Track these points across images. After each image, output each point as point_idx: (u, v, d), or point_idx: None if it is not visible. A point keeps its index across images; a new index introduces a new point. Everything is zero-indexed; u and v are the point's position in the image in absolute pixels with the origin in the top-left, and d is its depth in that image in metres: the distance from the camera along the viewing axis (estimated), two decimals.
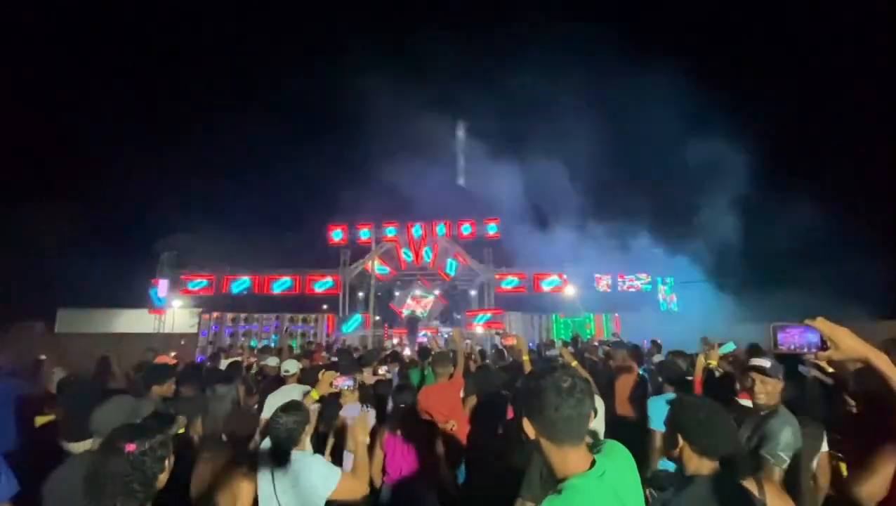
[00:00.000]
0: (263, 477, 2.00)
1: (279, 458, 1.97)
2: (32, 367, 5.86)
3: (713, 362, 3.65)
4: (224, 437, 2.46)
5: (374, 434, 2.86)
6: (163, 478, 1.45)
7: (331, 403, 3.11)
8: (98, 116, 32.44)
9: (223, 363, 5.97)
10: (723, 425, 1.59)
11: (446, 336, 12.32)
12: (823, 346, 1.18)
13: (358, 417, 2.27)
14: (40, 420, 4.28)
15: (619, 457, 1.22)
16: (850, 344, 1.13)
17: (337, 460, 2.95)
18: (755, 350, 4.63)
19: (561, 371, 1.20)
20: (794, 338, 1.15)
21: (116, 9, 30.82)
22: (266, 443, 2.13)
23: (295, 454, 2.02)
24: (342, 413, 2.83)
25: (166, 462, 1.46)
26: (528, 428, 1.18)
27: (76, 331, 15.51)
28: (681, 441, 1.57)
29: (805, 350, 1.19)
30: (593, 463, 1.14)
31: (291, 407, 2.11)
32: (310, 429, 2.22)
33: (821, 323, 1.17)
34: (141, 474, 1.36)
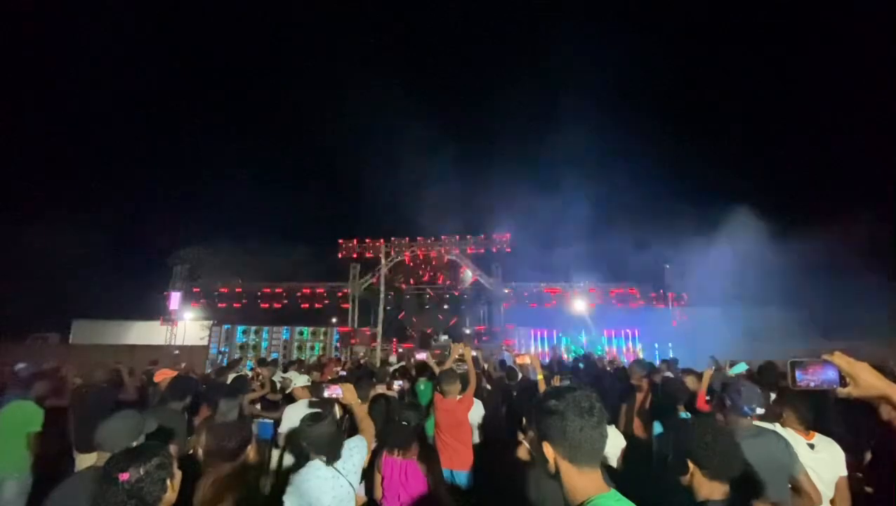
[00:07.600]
0: (324, 471, 2.21)
1: (336, 453, 2.29)
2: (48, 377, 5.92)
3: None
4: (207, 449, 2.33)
5: (372, 455, 2.69)
6: (169, 497, 1.45)
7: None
8: (113, 133, 33.48)
9: (229, 377, 5.96)
10: (730, 445, 1.54)
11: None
12: (842, 382, 1.14)
13: (342, 387, 2.82)
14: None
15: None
16: (869, 381, 1.09)
17: None
18: (767, 369, 4.46)
19: (580, 391, 1.17)
20: (812, 375, 1.12)
21: (139, 25, 31.97)
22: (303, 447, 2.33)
23: (349, 441, 2.43)
24: (327, 393, 3.12)
25: (168, 482, 1.45)
26: (548, 451, 1.14)
27: (90, 342, 15.76)
28: (691, 466, 1.52)
29: (824, 387, 1.18)
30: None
31: (319, 417, 2.30)
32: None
33: (838, 359, 1.13)
34: (139, 501, 1.35)
